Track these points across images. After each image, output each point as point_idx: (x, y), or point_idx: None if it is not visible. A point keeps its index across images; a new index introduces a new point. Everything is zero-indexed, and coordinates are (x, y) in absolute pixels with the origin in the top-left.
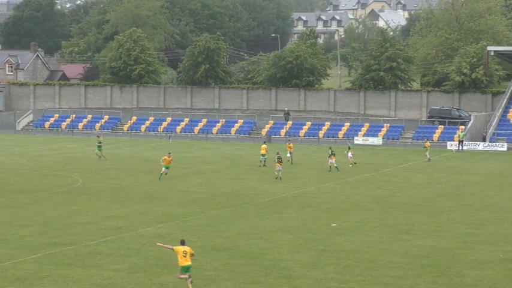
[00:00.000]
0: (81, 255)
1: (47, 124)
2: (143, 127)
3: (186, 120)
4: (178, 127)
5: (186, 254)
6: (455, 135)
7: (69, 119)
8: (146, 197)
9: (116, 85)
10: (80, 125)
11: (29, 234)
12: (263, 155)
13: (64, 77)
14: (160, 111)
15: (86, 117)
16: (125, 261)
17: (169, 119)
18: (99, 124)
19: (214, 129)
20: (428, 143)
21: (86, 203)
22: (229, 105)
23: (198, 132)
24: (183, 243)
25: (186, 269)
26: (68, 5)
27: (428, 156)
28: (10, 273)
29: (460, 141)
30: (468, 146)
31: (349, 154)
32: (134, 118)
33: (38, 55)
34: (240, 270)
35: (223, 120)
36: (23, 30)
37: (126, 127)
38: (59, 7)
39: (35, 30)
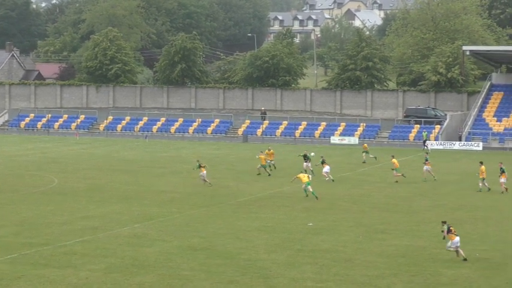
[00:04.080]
0: (57, 256)
1: (22, 124)
2: (119, 127)
3: (163, 119)
4: (154, 127)
5: None
6: (410, 135)
7: (45, 119)
8: (122, 197)
9: (92, 85)
10: (56, 125)
11: (5, 235)
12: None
13: (40, 77)
14: (137, 110)
15: (61, 117)
16: (101, 261)
17: (145, 118)
18: (75, 124)
19: (191, 129)
20: (365, 145)
21: (62, 203)
22: (205, 105)
23: (175, 132)
24: None
25: None
26: (43, 4)
27: (364, 158)
28: None
29: (424, 141)
30: (444, 145)
31: (324, 169)
32: (110, 118)
33: (13, 54)
34: (216, 270)
35: (200, 119)
36: None
37: (102, 127)
38: (34, 6)
39: (10, 29)
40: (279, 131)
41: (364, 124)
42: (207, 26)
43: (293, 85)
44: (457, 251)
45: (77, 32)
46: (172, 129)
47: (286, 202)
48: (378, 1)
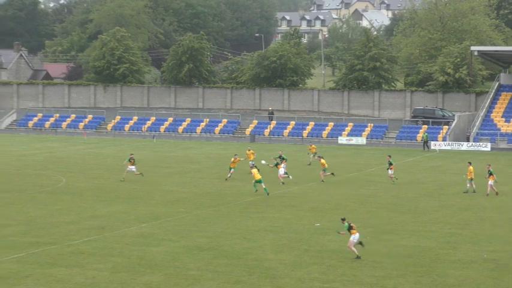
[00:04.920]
0: (64, 255)
1: (30, 123)
2: (127, 127)
3: (170, 119)
4: (162, 126)
5: None
6: (418, 135)
7: (53, 119)
8: (129, 197)
9: (100, 84)
10: (64, 125)
11: (12, 234)
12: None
13: (47, 77)
14: (144, 110)
15: (69, 117)
16: (108, 261)
17: (153, 118)
18: (82, 123)
19: (198, 129)
20: (313, 146)
21: (69, 202)
22: (213, 105)
23: (182, 132)
24: None
25: None
26: (51, 4)
27: (311, 160)
28: None
29: (425, 142)
30: (452, 146)
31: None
32: (118, 118)
33: (21, 54)
34: (223, 270)
35: (207, 119)
36: (6, 30)
37: (109, 126)
38: (42, 6)
39: (18, 29)
40: (286, 131)
41: (372, 124)
42: (215, 26)
43: (300, 85)
44: (352, 247)
45: (84, 32)
46: (180, 129)
47: (293, 202)
48: (386, 1)
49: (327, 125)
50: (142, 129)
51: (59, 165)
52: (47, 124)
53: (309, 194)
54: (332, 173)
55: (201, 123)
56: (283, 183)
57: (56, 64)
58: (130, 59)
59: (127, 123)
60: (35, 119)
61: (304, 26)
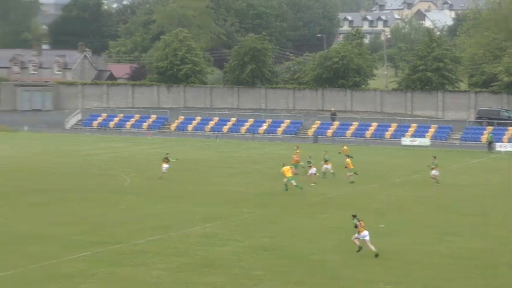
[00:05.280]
0: (129, 254)
1: (95, 123)
2: (190, 127)
3: (233, 120)
4: (225, 127)
5: None
6: (482, 136)
7: (117, 119)
8: (193, 197)
9: (163, 85)
10: (128, 125)
11: (77, 233)
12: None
13: (111, 77)
14: (207, 111)
15: (133, 117)
16: (173, 260)
17: (216, 118)
18: (146, 124)
19: (261, 129)
20: (345, 147)
21: (134, 202)
22: (275, 105)
23: (245, 132)
24: None
25: None
26: (114, 5)
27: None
28: (59, 270)
29: (489, 143)
30: None
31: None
32: (181, 118)
33: (85, 55)
34: (286, 270)
35: (270, 120)
36: (70, 31)
37: (173, 127)
38: (106, 7)
39: (83, 30)
40: (349, 132)
41: (436, 126)
42: (277, 27)
43: (363, 86)
44: (366, 245)
45: (147, 33)
46: (243, 129)
47: (356, 203)
48: (449, 1)
49: (390, 126)
50: (205, 130)
51: (124, 165)
52: (111, 124)
53: (370, 195)
54: (355, 172)
55: (264, 124)
56: (314, 183)
57: (120, 65)
58: (193, 60)
59: (190, 123)
60: (100, 119)
61: (366, 27)
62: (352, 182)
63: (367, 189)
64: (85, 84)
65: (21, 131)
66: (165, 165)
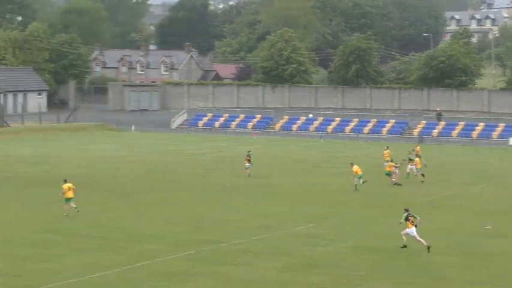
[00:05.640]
0: (233, 253)
1: (200, 123)
2: (295, 126)
3: (337, 119)
4: (329, 127)
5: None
6: None
7: (222, 118)
8: (297, 196)
9: (268, 85)
10: (233, 124)
11: (182, 231)
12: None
13: (217, 77)
14: (312, 110)
15: (238, 117)
16: (276, 260)
17: (320, 118)
18: (251, 123)
19: (366, 129)
20: (418, 148)
21: (238, 201)
22: (380, 105)
23: (349, 132)
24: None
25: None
26: (221, 6)
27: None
28: (165, 269)
29: None
30: None
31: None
32: (286, 117)
33: (191, 55)
34: (391, 271)
35: (375, 120)
36: (177, 31)
37: (277, 126)
38: (212, 8)
39: (189, 31)
40: (455, 132)
41: None
42: (382, 26)
43: (470, 85)
44: (415, 240)
45: (253, 33)
46: (347, 129)
47: (463, 204)
48: None
49: (497, 126)
50: (310, 129)
51: (228, 164)
52: (217, 124)
53: (477, 196)
54: (423, 174)
55: (369, 124)
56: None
57: (225, 65)
58: (298, 60)
59: (295, 123)
60: (205, 118)
61: (474, 26)
62: (422, 182)
63: (475, 190)
64: (191, 84)
65: (128, 130)
66: (247, 164)
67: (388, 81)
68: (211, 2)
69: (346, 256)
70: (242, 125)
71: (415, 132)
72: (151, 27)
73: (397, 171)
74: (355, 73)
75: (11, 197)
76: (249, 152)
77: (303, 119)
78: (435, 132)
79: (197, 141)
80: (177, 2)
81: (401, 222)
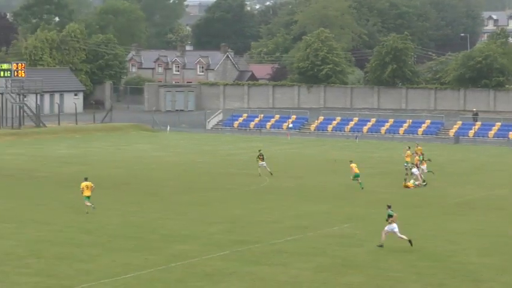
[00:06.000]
0: (268, 253)
1: (235, 123)
2: (330, 127)
3: (373, 120)
4: (365, 127)
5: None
6: None
7: (257, 119)
8: (331, 197)
9: (303, 85)
10: (268, 125)
11: (217, 232)
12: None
13: (253, 77)
14: (347, 111)
15: (273, 117)
16: (311, 260)
17: (356, 119)
18: (286, 124)
19: (401, 130)
20: (420, 148)
21: (273, 201)
22: (416, 106)
23: (385, 133)
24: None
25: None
26: (257, 6)
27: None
28: (199, 269)
29: None
30: None
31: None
32: (321, 118)
33: (227, 56)
34: (426, 272)
35: (410, 120)
36: (213, 32)
37: (313, 127)
38: (248, 8)
39: (225, 31)
40: (491, 133)
41: None
42: (419, 26)
43: (507, 86)
44: (396, 237)
45: (289, 33)
46: (383, 129)
47: (499, 205)
48: None
49: None
50: (345, 130)
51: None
52: (252, 124)
53: None
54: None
55: (404, 124)
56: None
57: (261, 65)
58: (334, 60)
59: (330, 123)
60: (240, 119)
61: (511, 26)
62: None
63: (511, 191)
64: (226, 84)
65: (163, 131)
66: (260, 162)
67: (424, 81)
68: (248, 3)
69: (382, 257)
70: (277, 125)
71: (451, 132)
72: (188, 28)
73: (415, 171)
74: (391, 73)
75: (47, 196)
76: (260, 150)
77: (338, 119)
78: (471, 132)
79: (232, 141)
80: (213, 3)
81: (387, 220)
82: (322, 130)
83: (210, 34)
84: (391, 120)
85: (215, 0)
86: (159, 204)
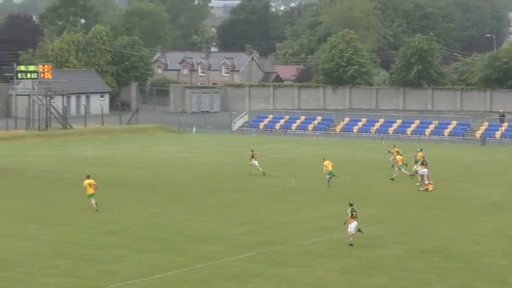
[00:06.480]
0: (294, 255)
1: (261, 125)
2: (355, 128)
3: (399, 121)
4: (390, 128)
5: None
6: None
7: (283, 120)
8: (357, 198)
9: (329, 86)
10: (293, 126)
11: (243, 233)
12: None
13: (278, 79)
14: (373, 112)
15: (298, 118)
16: (337, 262)
17: (381, 120)
18: (312, 125)
19: (427, 131)
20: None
21: (299, 203)
22: (442, 107)
23: (411, 134)
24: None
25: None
26: (282, 8)
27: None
28: (226, 270)
29: None
30: None
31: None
32: (347, 119)
33: (252, 57)
34: (451, 273)
35: (436, 121)
36: (238, 33)
37: (338, 128)
38: (273, 10)
39: (250, 32)
40: None
41: None
42: (444, 27)
43: None
44: (351, 235)
45: (314, 34)
46: (409, 131)
47: None
48: None
49: None
50: (371, 131)
51: (289, 166)
52: (277, 125)
53: None
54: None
55: (430, 125)
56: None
57: (286, 66)
58: (359, 61)
59: (355, 125)
60: (266, 120)
61: None
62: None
63: None
64: (252, 86)
65: (189, 132)
66: (254, 162)
67: (450, 82)
68: (273, 4)
69: (407, 258)
70: (302, 126)
71: (478, 134)
72: (213, 29)
73: (418, 170)
74: (416, 74)
75: (74, 198)
76: (252, 151)
77: (364, 120)
78: (498, 134)
79: (258, 142)
80: (238, 4)
81: (345, 222)
82: (348, 131)
83: (235, 35)
84: (417, 122)
85: (240, 2)
86: (184, 205)
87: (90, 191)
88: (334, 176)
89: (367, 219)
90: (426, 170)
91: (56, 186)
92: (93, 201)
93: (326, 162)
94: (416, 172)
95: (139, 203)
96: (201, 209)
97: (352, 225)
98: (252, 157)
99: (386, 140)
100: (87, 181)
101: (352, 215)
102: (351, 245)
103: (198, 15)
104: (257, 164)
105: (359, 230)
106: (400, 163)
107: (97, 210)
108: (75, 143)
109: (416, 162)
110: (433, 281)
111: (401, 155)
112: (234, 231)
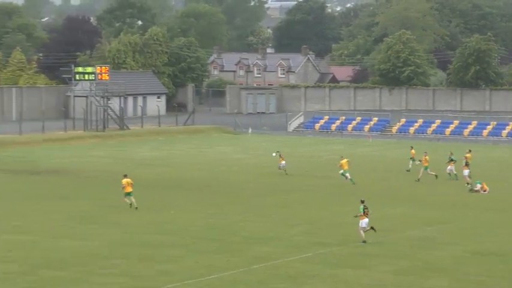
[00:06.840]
0: (350, 256)
1: (317, 126)
2: (412, 129)
3: (456, 122)
4: (447, 129)
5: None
6: None
7: (339, 121)
8: (413, 199)
9: (385, 87)
10: (349, 127)
11: (298, 234)
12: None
13: (334, 80)
14: (429, 113)
15: (354, 119)
16: (394, 263)
17: (438, 121)
18: (368, 126)
19: (485, 132)
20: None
21: (354, 203)
22: (500, 108)
23: (468, 135)
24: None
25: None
26: (338, 8)
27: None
28: (282, 271)
29: None
30: None
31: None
32: (403, 120)
33: (308, 58)
34: (511, 276)
35: (494, 122)
36: (294, 34)
37: (394, 129)
38: (329, 10)
39: (306, 33)
40: None
41: None
42: (502, 27)
43: None
44: (362, 232)
45: (370, 35)
46: (466, 132)
47: None
48: None
49: None
50: (428, 132)
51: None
52: (333, 126)
53: None
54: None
55: (488, 126)
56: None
57: (342, 67)
58: (416, 62)
59: (412, 126)
60: (321, 121)
61: None
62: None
63: None
64: (308, 87)
65: (245, 133)
66: (282, 162)
67: (508, 83)
68: (329, 5)
69: (465, 260)
70: (358, 127)
71: None
72: (269, 30)
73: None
74: (474, 75)
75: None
76: (277, 152)
77: (420, 121)
78: None
79: (313, 143)
80: (294, 5)
81: (357, 216)
82: (404, 132)
83: (291, 36)
84: (474, 123)
85: (296, 3)
86: (240, 206)
87: (129, 189)
88: (346, 176)
89: (425, 220)
90: (468, 170)
91: (112, 187)
92: (132, 199)
93: (343, 161)
94: (451, 172)
95: (196, 203)
96: (256, 210)
97: (364, 222)
98: (280, 157)
99: (443, 141)
100: (125, 180)
101: (364, 212)
102: (364, 242)
103: (254, 16)
104: (285, 164)
105: (372, 228)
106: (426, 164)
107: (137, 208)
108: (132, 144)
109: (466, 164)
110: (491, 283)
111: (426, 156)
112: (290, 232)
